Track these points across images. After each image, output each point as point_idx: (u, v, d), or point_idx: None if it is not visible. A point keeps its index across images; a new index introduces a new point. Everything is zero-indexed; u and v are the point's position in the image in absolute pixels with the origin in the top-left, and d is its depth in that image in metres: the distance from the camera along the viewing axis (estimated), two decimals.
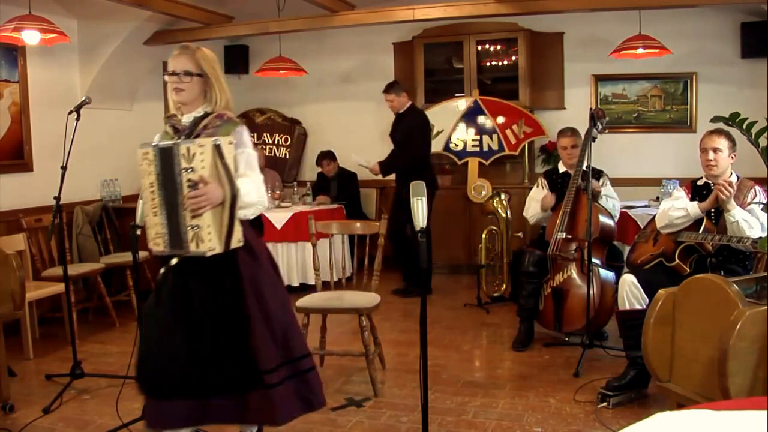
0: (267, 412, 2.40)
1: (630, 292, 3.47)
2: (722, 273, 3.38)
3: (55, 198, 3.71)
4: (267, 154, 7.42)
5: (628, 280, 3.50)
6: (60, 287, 4.50)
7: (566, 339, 4.43)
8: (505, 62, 6.90)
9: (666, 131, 6.58)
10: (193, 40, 6.16)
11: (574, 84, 6.79)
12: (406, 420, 3.32)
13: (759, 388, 2.28)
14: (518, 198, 5.76)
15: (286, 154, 7.61)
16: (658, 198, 5.60)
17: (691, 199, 3.65)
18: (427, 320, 2.49)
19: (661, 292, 2.75)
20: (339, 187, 6.80)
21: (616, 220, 4.49)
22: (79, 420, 3.41)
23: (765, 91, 5.51)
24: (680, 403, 2.61)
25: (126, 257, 5.39)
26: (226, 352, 2.37)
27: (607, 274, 4.26)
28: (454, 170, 6.97)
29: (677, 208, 3.60)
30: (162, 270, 2.45)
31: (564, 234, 4.30)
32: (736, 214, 3.38)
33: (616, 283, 3.93)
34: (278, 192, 6.53)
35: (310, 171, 7.57)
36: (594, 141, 4.17)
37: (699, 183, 3.72)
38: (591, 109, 4.45)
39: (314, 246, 4.01)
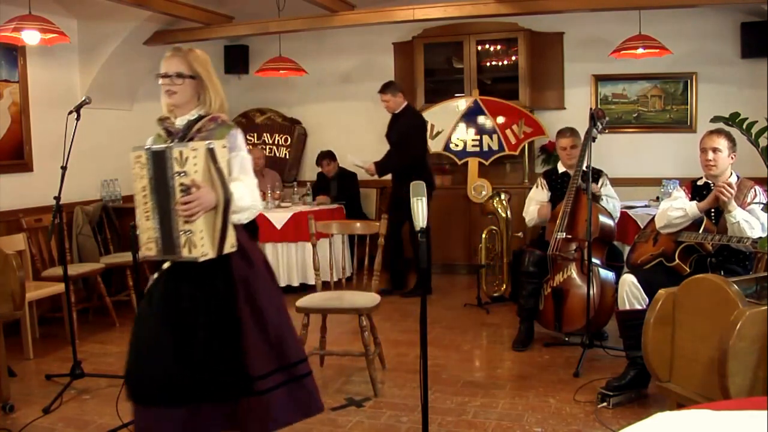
0: (260, 418, 2.36)
1: (630, 292, 3.47)
2: (722, 273, 3.38)
3: (55, 198, 3.71)
4: (267, 154, 7.42)
5: (628, 280, 3.50)
6: (60, 287, 4.50)
7: (566, 339, 4.43)
8: (505, 62, 6.90)
9: (666, 131, 6.58)
10: (193, 40, 6.18)
11: (574, 84, 6.79)
12: (406, 420, 3.32)
13: (759, 388, 2.28)
14: (518, 198, 5.76)
15: (286, 154, 7.61)
16: (658, 198, 5.60)
17: (691, 199, 3.65)
18: (427, 320, 2.49)
19: (661, 292, 2.75)
20: (339, 187, 6.80)
21: (616, 220, 4.49)
22: (79, 420, 3.42)
23: (765, 91, 5.51)
24: (680, 403, 2.61)
25: (126, 257, 5.39)
26: (217, 357, 2.33)
27: (607, 274, 4.26)
28: (454, 170, 6.97)
29: (676, 208, 3.60)
30: (154, 275, 2.42)
31: (564, 234, 4.30)
32: (737, 215, 3.38)
33: (616, 283, 3.93)
34: (278, 192, 6.53)
35: (310, 171, 7.56)
36: (594, 141, 4.17)
37: (699, 183, 3.72)
38: (591, 109, 4.44)
39: (314, 246, 4.01)
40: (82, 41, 5.81)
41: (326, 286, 4.06)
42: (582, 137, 4.42)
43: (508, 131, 6.59)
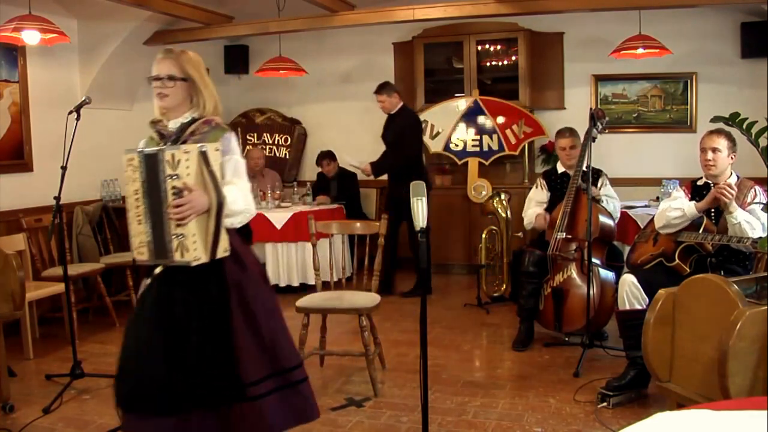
0: (253, 425, 2.32)
1: (630, 292, 3.47)
2: (722, 273, 3.38)
3: (55, 198, 3.71)
4: (267, 154, 7.42)
5: (628, 280, 3.50)
6: (60, 287, 4.50)
7: (566, 339, 4.43)
8: (505, 62, 6.90)
9: (666, 131, 6.58)
10: (193, 40, 6.18)
11: (574, 84, 6.79)
12: (406, 420, 3.32)
13: (759, 388, 2.28)
14: (518, 198, 5.76)
15: (286, 154, 7.61)
16: (658, 198, 5.60)
17: (691, 199, 3.65)
18: (427, 320, 2.48)
19: (661, 292, 2.75)
20: (339, 187, 6.80)
21: (616, 220, 4.49)
22: (79, 420, 3.42)
23: (765, 91, 5.51)
24: (680, 403, 2.61)
25: (126, 257, 5.38)
26: (210, 362, 2.29)
27: (607, 274, 4.26)
28: (454, 170, 6.97)
29: (674, 208, 3.60)
30: (147, 280, 2.39)
31: (564, 234, 4.30)
32: (738, 215, 3.38)
33: (616, 283, 3.93)
34: (278, 192, 6.54)
35: (310, 171, 7.57)
36: (594, 141, 4.17)
37: (699, 183, 3.72)
38: (591, 109, 4.44)
39: (314, 246, 4.01)
40: (82, 41, 5.81)
41: (326, 286, 4.06)
42: (581, 137, 4.42)
43: (508, 131, 6.59)
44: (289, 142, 7.59)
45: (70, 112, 3.73)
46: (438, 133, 6.74)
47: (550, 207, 4.55)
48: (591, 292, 4.02)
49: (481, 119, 6.67)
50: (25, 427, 3.32)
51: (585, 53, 6.65)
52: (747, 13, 6.08)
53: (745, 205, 3.47)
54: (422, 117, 6.72)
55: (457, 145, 6.72)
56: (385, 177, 6.04)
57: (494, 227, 5.61)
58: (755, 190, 3.52)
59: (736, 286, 2.45)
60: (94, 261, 5.42)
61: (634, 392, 3.42)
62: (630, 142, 6.64)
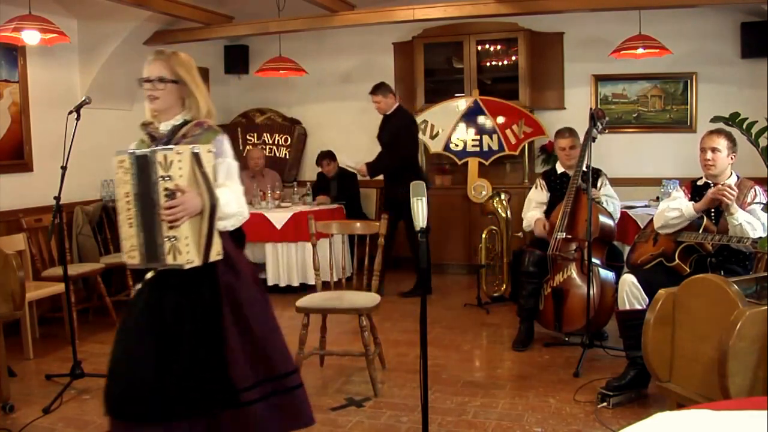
0: (243, 431, 2.29)
1: (630, 292, 3.47)
2: (722, 273, 3.38)
3: (55, 198, 3.71)
4: (267, 154, 7.41)
5: (628, 280, 3.50)
6: (60, 287, 4.50)
7: (566, 339, 4.43)
8: (505, 62, 6.90)
9: (666, 131, 6.58)
10: (193, 40, 6.18)
11: (574, 84, 6.79)
12: (406, 420, 3.32)
13: (759, 388, 2.28)
14: (518, 198, 5.76)
15: (286, 154, 7.61)
16: (658, 198, 5.60)
17: (691, 199, 3.65)
18: (427, 320, 2.48)
19: (661, 292, 2.75)
20: (339, 187, 6.81)
21: (616, 220, 4.49)
22: (79, 420, 3.42)
23: (765, 91, 5.51)
24: (680, 403, 2.61)
25: None
26: (202, 366, 2.26)
27: (607, 274, 4.26)
28: (454, 170, 6.97)
29: (672, 208, 3.60)
30: (137, 285, 2.36)
31: (564, 234, 4.29)
32: (739, 217, 3.37)
33: (616, 283, 3.93)
34: (278, 192, 6.54)
35: (310, 171, 7.57)
36: (594, 141, 4.17)
37: (699, 183, 3.72)
38: (591, 109, 4.44)
39: (314, 246, 4.01)
40: (82, 41, 5.81)
41: (326, 286, 4.06)
42: (581, 137, 4.42)
43: (508, 131, 6.59)
44: (289, 142, 7.59)
45: (70, 112, 3.73)
46: (438, 133, 6.74)
47: (550, 207, 4.55)
48: (591, 292, 4.02)
49: (481, 119, 6.67)
50: (25, 427, 3.32)
51: (585, 53, 6.65)
52: (747, 13, 6.08)
53: (745, 205, 3.47)
54: (422, 117, 6.75)
55: (457, 145, 6.72)
56: (371, 178, 6.05)
57: (494, 227, 5.61)
58: (755, 190, 3.52)
59: (736, 286, 2.45)
60: (94, 261, 5.42)
61: (634, 392, 3.42)
62: (630, 142, 6.64)
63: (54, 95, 5.54)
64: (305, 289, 5.58)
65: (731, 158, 3.56)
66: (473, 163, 6.65)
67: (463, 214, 6.73)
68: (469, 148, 6.69)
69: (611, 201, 4.50)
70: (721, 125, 2.99)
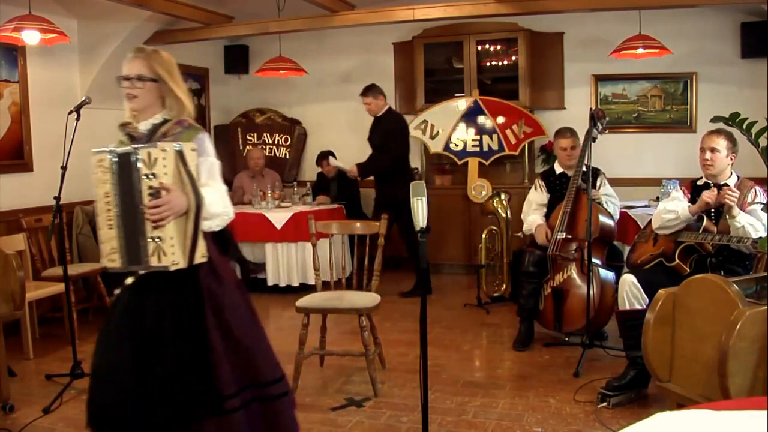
0: None
1: (630, 292, 3.47)
2: (722, 273, 3.38)
3: (55, 198, 3.71)
4: (267, 154, 7.41)
5: (628, 280, 3.50)
6: (60, 287, 4.50)
7: (566, 339, 4.43)
8: (505, 62, 6.90)
9: (666, 131, 6.58)
10: (193, 40, 6.19)
11: (574, 84, 6.79)
12: (406, 420, 3.32)
13: (759, 388, 2.28)
14: (518, 198, 5.75)
15: (286, 154, 7.61)
16: (658, 198, 5.60)
17: (691, 199, 3.65)
18: (427, 320, 2.48)
19: (661, 292, 2.75)
20: (339, 187, 6.80)
21: (616, 220, 4.49)
22: (79, 420, 3.40)
23: (765, 91, 5.51)
24: (680, 403, 2.61)
25: None
26: (186, 371, 2.18)
27: (607, 274, 4.26)
28: (454, 170, 6.97)
29: (668, 210, 3.61)
30: (117, 291, 2.29)
31: (564, 234, 4.29)
32: (741, 219, 3.37)
33: (616, 283, 3.93)
34: (278, 192, 6.54)
35: (310, 171, 7.57)
36: (594, 141, 4.17)
37: (699, 183, 3.72)
38: (591, 109, 4.44)
39: (314, 246, 4.01)
40: (82, 41, 5.81)
41: (326, 286, 4.06)
42: (581, 138, 4.42)
43: (508, 131, 6.58)
44: (289, 142, 7.59)
45: (70, 112, 3.73)
46: (438, 133, 6.74)
47: (550, 208, 4.55)
48: (591, 292, 4.02)
49: (481, 119, 6.67)
50: (25, 427, 3.32)
51: (585, 53, 6.65)
52: (747, 13, 6.08)
53: (746, 205, 3.47)
54: (422, 117, 6.75)
55: (457, 145, 6.72)
56: (361, 179, 6.08)
57: (494, 227, 5.61)
58: (755, 191, 3.52)
59: (736, 286, 2.45)
60: (94, 261, 5.41)
61: (634, 392, 3.42)
62: (630, 142, 6.64)
63: (54, 95, 5.54)
64: (305, 289, 5.58)
65: (731, 159, 3.56)
66: (473, 163, 6.65)
67: (463, 214, 6.73)
68: (469, 148, 6.69)
69: (611, 201, 4.50)
70: (721, 125, 2.98)
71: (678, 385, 2.69)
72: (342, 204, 6.55)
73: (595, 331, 4.21)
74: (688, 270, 3.50)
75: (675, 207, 3.59)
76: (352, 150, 6.61)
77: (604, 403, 3.37)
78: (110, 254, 2.20)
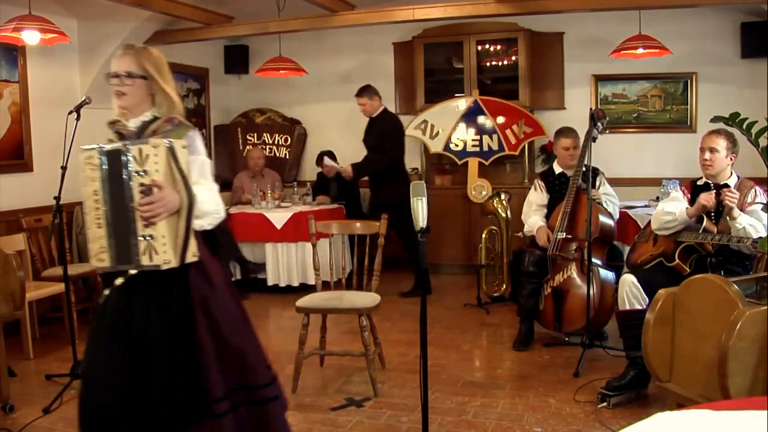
0: None
1: (630, 292, 3.47)
2: (722, 273, 3.38)
3: (55, 198, 3.71)
4: (267, 154, 7.42)
5: (628, 280, 3.50)
6: (60, 287, 4.50)
7: (566, 339, 4.43)
8: (505, 62, 6.90)
9: (666, 131, 6.58)
10: (193, 40, 6.19)
11: (574, 84, 6.79)
12: (406, 420, 3.32)
13: (759, 388, 2.28)
14: (518, 198, 5.75)
15: (286, 154, 7.61)
16: (658, 198, 5.60)
17: (691, 199, 3.65)
18: (427, 320, 2.48)
19: (661, 292, 2.75)
20: (339, 187, 6.80)
21: (615, 219, 4.49)
22: None
23: (765, 91, 5.51)
24: (680, 403, 2.61)
25: None
26: (172, 376, 2.15)
27: (607, 274, 4.26)
28: (454, 170, 6.96)
29: (666, 212, 3.61)
30: (105, 291, 2.24)
31: (564, 234, 4.29)
32: (742, 221, 3.37)
33: (616, 283, 3.93)
34: (278, 192, 6.54)
35: (310, 171, 7.57)
36: (594, 141, 4.17)
37: (699, 183, 3.72)
38: (591, 109, 4.43)
39: (314, 246, 4.01)
40: (82, 41, 5.81)
41: (326, 286, 4.06)
42: (582, 137, 4.41)
43: (508, 131, 6.58)
44: (289, 142, 7.59)
45: (70, 112, 3.73)
46: (438, 133, 6.74)
47: (550, 208, 4.55)
48: (591, 292, 4.02)
49: (481, 119, 6.66)
50: (25, 427, 3.32)
51: (585, 53, 6.65)
52: (747, 13, 6.08)
53: (746, 205, 3.47)
54: (422, 117, 6.75)
55: (457, 145, 6.72)
56: (356, 180, 6.08)
57: (494, 227, 5.61)
58: (755, 191, 3.52)
59: (736, 286, 2.45)
60: None
61: (634, 392, 3.42)
62: (630, 142, 6.64)
63: (54, 95, 5.54)
64: (305, 289, 5.57)
65: (730, 159, 3.56)
66: (473, 163, 6.65)
67: (463, 214, 6.72)
68: (469, 148, 6.68)
69: (610, 200, 4.50)
70: (721, 125, 2.98)
71: (678, 385, 2.69)
72: (342, 204, 6.55)
73: (595, 331, 4.21)
74: (688, 270, 3.50)
75: (673, 209, 3.59)
76: (352, 150, 6.60)
77: (604, 403, 3.37)
78: (99, 254, 2.16)
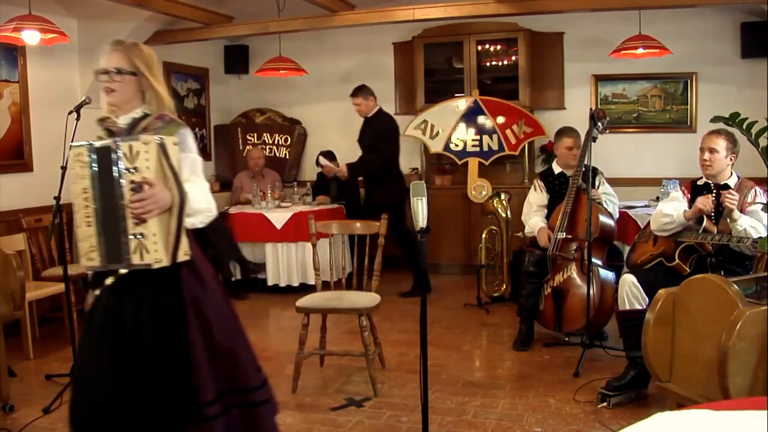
0: None
1: (630, 292, 3.47)
2: (722, 273, 3.38)
3: (55, 198, 3.71)
4: (267, 154, 7.42)
5: (628, 280, 3.50)
6: (60, 287, 4.49)
7: (566, 339, 4.43)
8: (505, 62, 6.90)
9: (666, 131, 6.58)
10: (193, 40, 6.19)
11: (574, 84, 6.79)
12: (406, 420, 3.32)
13: (759, 388, 2.28)
14: (518, 198, 5.75)
15: (286, 154, 7.61)
16: (658, 198, 5.60)
17: (691, 199, 3.65)
18: (427, 320, 2.48)
19: (661, 292, 2.75)
20: (339, 187, 6.80)
21: (615, 219, 4.49)
22: None
23: (765, 91, 5.51)
24: (680, 403, 2.61)
25: None
26: (162, 377, 2.12)
27: (607, 274, 4.26)
28: (454, 170, 6.96)
29: (665, 213, 3.61)
30: (96, 291, 2.20)
31: (564, 234, 4.29)
32: (742, 222, 3.37)
33: (616, 283, 3.93)
34: (278, 192, 6.54)
35: (310, 171, 7.57)
36: (594, 141, 4.17)
37: (699, 183, 3.72)
38: (591, 109, 4.43)
39: (314, 246, 4.01)
40: (82, 41, 5.81)
41: (326, 286, 4.06)
42: (582, 137, 4.41)
43: (508, 131, 6.58)
44: (289, 142, 7.59)
45: (70, 112, 3.72)
46: (438, 133, 6.74)
47: (550, 208, 4.55)
48: (591, 292, 4.02)
49: (481, 119, 6.66)
50: (25, 427, 3.32)
51: (585, 53, 6.65)
52: (747, 13, 6.08)
53: (746, 205, 3.47)
54: (422, 117, 6.75)
55: (457, 145, 6.72)
56: (351, 180, 6.08)
57: (494, 227, 5.61)
58: (755, 191, 3.52)
59: (736, 286, 2.45)
60: None
61: (634, 392, 3.42)
62: (630, 142, 6.64)
63: (54, 95, 5.54)
64: (305, 289, 5.58)
65: (730, 159, 3.56)
66: (473, 163, 6.65)
67: (463, 214, 6.72)
68: (469, 148, 6.68)
69: (610, 200, 4.50)
70: (721, 125, 2.98)
71: (678, 385, 2.69)
72: (342, 204, 6.56)
73: (595, 331, 4.21)
74: (688, 270, 3.50)
75: (671, 211, 3.59)
76: (351, 150, 6.59)
77: (604, 403, 3.37)
78: (88, 253, 2.11)
